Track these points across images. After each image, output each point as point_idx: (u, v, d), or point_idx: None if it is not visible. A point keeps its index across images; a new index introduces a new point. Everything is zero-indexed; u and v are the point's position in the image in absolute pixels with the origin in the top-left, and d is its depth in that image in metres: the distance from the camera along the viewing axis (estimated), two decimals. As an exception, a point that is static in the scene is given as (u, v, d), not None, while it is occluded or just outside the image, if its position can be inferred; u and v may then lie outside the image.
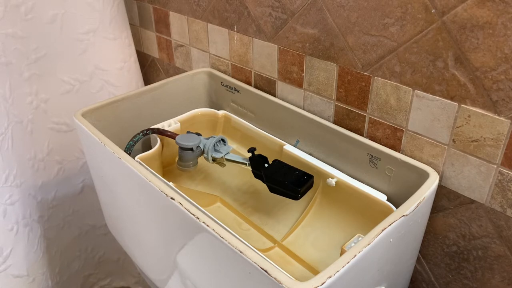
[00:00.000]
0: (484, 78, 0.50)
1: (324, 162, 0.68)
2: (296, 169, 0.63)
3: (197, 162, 0.72)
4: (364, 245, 0.45)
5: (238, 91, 0.81)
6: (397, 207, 0.54)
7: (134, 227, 0.69)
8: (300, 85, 0.72)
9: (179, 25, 0.92)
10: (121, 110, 0.77)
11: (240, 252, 0.45)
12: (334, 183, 0.64)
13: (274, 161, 0.65)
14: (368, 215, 0.61)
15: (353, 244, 0.50)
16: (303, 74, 0.70)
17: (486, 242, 0.57)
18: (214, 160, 0.69)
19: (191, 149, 0.69)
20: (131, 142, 0.72)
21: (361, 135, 0.65)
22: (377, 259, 0.49)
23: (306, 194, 0.62)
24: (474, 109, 0.52)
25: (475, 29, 0.49)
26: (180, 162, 0.71)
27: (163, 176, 0.75)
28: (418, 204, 0.52)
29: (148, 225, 0.63)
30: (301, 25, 0.67)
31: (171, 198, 0.52)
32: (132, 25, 1.07)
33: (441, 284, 0.65)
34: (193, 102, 0.87)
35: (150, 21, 1.00)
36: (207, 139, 0.70)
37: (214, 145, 0.69)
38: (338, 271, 0.42)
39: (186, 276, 0.60)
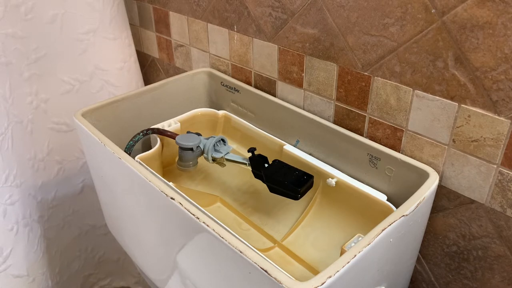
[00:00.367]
0: (484, 78, 0.50)
1: (324, 162, 0.68)
2: (296, 169, 0.63)
3: (197, 162, 0.72)
4: (364, 245, 0.45)
5: (238, 91, 0.81)
6: (397, 207, 0.54)
7: (134, 227, 0.69)
8: (300, 85, 0.72)
9: (179, 25, 0.92)
10: (121, 110, 0.77)
11: (240, 252, 0.45)
12: (334, 183, 0.64)
13: (274, 161, 0.65)
14: (368, 215, 0.61)
15: (353, 244, 0.50)
16: (303, 74, 0.70)
17: (486, 242, 0.57)
18: (214, 160, 0.69)
19: (191, 149, 0.69)
20: (131, 142, 0.72)
21: (361, 135, 0.65)
22: (377, 259, 0.49)
23: (306, 194, 0.61)
24: (474, 109, 0.52)
25: (475, 29, 0.49)
26: (180, 162, 0.71)
27: (163, 176, 0.75)
28: (418, 204, 0.52)
29: (148, 225, 0.63)
30: (301, 25, 0.67)
31: (171, 198, 0.52)
32: (132, 25, 1.06)
33: (441, 284, 0.65)
34: (193, 102, 0.87)
35: (150, 21, 1.00)
36: (207, 139, 0.70)
37: (214, 145, 0.69)
38: (338, 271, 0.42)
39: (186, 276, 0.60)
